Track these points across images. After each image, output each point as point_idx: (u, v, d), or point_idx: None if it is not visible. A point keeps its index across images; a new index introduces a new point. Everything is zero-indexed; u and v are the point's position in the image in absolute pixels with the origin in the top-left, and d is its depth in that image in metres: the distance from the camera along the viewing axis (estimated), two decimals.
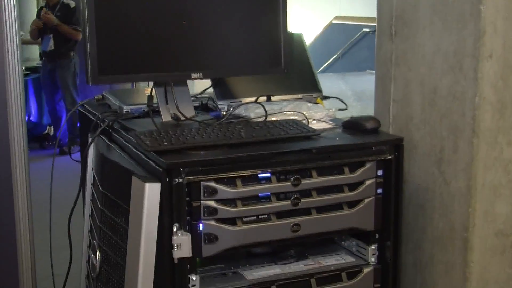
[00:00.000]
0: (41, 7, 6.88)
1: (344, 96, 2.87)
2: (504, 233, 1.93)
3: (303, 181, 1.79)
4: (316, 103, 2.24)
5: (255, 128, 1.86)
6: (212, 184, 1.69)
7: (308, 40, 10.41)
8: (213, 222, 1.71)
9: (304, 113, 2.01)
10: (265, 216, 1.78)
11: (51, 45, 6.69)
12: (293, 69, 2.21)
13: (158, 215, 1.65)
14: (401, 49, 2.11)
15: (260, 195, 1.76)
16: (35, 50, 7.60)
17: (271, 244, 1.86)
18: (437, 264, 2.01)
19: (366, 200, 1.88)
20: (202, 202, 1.69)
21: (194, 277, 1.73)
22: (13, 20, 2.29)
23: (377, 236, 1.94)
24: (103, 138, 2.07)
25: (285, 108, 2.03)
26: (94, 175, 2.08)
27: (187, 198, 1.67)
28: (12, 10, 2.29)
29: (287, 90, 2.26)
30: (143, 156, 1.76)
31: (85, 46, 1.87)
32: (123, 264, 1.77)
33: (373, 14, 2.29)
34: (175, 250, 1.64)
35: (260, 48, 2.10)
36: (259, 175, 1.75)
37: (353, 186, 1.86)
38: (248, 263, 1.93)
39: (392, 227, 1.92)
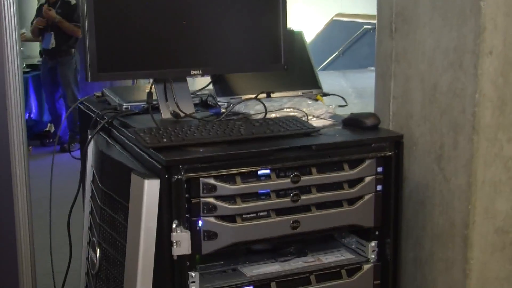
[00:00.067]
0: (41, 5, 6.87)
1: (345, 93, 2.87)
2: (504, 230, 1.92)
3: (302, 178, 1.79)
4: (316, 100, 2.24)
5: (254, 125, 1.86)
6: (212, 181, 1.69)
7: (309, 37, 10.40)
8: (212, 219, 1.71)
9: (304, 110, 2.00)
10: (265, 213, 1.78)
11: (52, 43, 6.68)
12: (293, 66, 2.21)
13: (157, 212, 1.65)
14: (401, 45, 2.11)
15: (259, 192, 1.76)
16: (36, 48, 7.59)
17: (271, 241, 1.85)
18: (437, 261, 2.01)
19: (366, 197, 1.88)
20: (201, 199, 1.69)
21: (193, 274, 1.73)
22: (13, 18, 2.29)
23: (377, 233, 1.94)
24: (103, 135, 2.07)
25: (285, 105, 2.03)
26: (93, 172, 2.07)
27: (187, 195, 1.67)
28: (12, 8, 2.29)
29: (287, 87, 2.26)
30: (143, 153, 1.75)
31: (85, 43, 1.87)
32: (123, 261, 1.77)
33: (374, 11, 2.28)
34: (175, 247, 1.64)
35: (260, 44, 2.10)
36: (259, 172, 1.75)
37: (353, 183, 1.86)
38: (248, 260, 1.93)
39: (392, 224, 1.91)
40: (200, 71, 2.01)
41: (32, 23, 6.96)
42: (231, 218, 1.73)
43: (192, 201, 1.68)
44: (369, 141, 1.87)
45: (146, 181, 1.63)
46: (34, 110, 7.31)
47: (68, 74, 6.79)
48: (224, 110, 2.09)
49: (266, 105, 1.99)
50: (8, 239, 2.39)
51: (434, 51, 1.96)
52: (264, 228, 1.77)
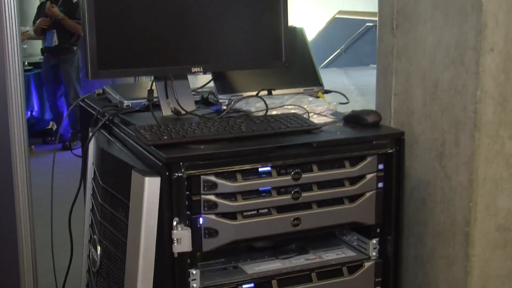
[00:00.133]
0: (42, 2, 6.87)
1: (347, 91, 2.86)
2: (505, 227, 1.92)
3: (303, 175, 1.78)
4: (318, 97, 2.24)
5: (255, 122, 1.86)
6: (212, 178, 1.69)
7: (311, 34, 10.40)
8: (213, 216, 1.70)
9: (305, 107, 2.00)
10: (266, 210, 1.77)
11: (55, 40, 6.69)
12: (295, 63, 2.20)
13: (158, 210, 1.65)
14: (402, 42, 2.10)
15: (260, 189, 1.76)
16: (38, 45, 7.59)
17: (272, 238, 1.85)
18: (439, 258, 2.00)
19: (367, 194, 1.88)
20: (202, 196, 1.69)
21: (194, 271, 1.72)
22: (13, 16, 2.29)
23: (378, 230, 1.94)
24: (104, 132, 2.07)
25: (286, 102, 2.03)
26: (94, 169, 2.07)
27: (187, 192, 1.67)
28: (12, 6, 2.29)
29: (288, 84, 2.26)
30: (143, 150, 1.75)
31: (85, 40, 1.86)
32: (123, 259, 1.77)
33: (376, 8, 2.28)
34: (175, 244, 1.64)
35: (261, 42, 2.10)
36: (260, 169, 1.75)
37: (354, 180, 1.86)
38: (249, 257, 1.93)
39: (393, 221, 1.91)
40: (201, 68, 2.01)
41: (34, 21, 6.96)
42: (232, 215, 1.73)
43: (193, 199, 1.68)
44: (370, 138, 1.86)
45: (147, 179, 1.63)
46: (36, 108, 7.32)
47: (71, 71, 6.80)
48: (225, 107, 2.09)
49: (267, 102, 1.99)
50: (9, 237, 2.39)
51: (435, 48, 1.96)
52: (265, 226, 1.77)
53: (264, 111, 1.97)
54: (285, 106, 2.01)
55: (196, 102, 2.13)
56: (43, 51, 7.00)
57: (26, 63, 7.13)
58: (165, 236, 1.65)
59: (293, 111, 1.99)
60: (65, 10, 6.63)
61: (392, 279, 1.94)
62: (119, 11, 1.91)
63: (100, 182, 1.98)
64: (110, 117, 2.05)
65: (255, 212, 1.76)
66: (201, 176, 1.67)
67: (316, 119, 1.97)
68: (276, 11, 2.08)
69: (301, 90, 2.26)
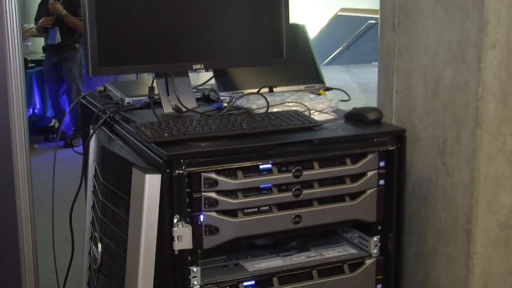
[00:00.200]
0: (43, 0, 6.87)
1: (349, 89, 2.86)
2: (507, 224, 1.91)
3: (304, 173, 1.78)
4: (319, 94, 2.23)
5: (256, 119, 1.86)
6: (213, 175, 1.69)
7: (314, 32, 10.39)
8: (214, 214, 1.70)
9: (306, 104, 2.00)
10: (266, 208, 1.77)
11: (58, 38, 6.68)
12: (296, 60, 2.20)
13: (158, 207, 1.64)
14: (404, 40, 2.09)
15: (261, 186, 1.76)
16: (40, 43, 7.59)
17: (273, 235, 1.85)
18: (440, 256, 2.00)
19: (368, 192, 1.87)
20: (202, 193, 1.68)
21: (195, 269, 1.72)
22: (14, 14, 2.28)
23: (379, 227, 1.93)
24: (105, 129, 2.07)
25: (287, 99, 2.03)
26: (95, 166, 2.07)
27: (188, 190, 1.66)
28: (13, 4, 2.28)
29: (290, 81, 2.25)
30: (144, 148, 1.75)
31: (86, 37, 1.86)
32: (124, 256, 1.77)
33: (378, 6, 2.27)
34: (176, 241, 1.64)
35: (262, 39, 2.09)
36: (260, 167, 1.75)
37: (355, 177, 1.85)
38: (250, 255, 1.93)
39: (394, 218, 1.91)
40: (202, 65, 2.01)
41: (35, 19, 6.96)
42: (232, 212, 1.73)
43: (194, 196, 1.68)
44: (372, 135, 1.86)
45: (147, 176, 1.63)
46: (38, 105, 7.33)
47: (73, 69, 6.80)
48: (226, 104, 2.08)
49: (268, 99, 1.98)
50: (10, 235, 2.39)
51: (437, 45, 1.95)
52: (266, 223, 1.77)
53: (265, 108, 1.97)
54: (286, 103, 2.01)
55: (197, 99, 2.13)
56: (44, 48, 7.00)
57: (28, 59, 7.14)
58: (166, 233, 1.64)
59: (294, 108, 1.99)
60: (68, 7, 6.62)
61: (393, 277, 1.94)
62: (120, 8, 1.91)
63: (101, 179, 1.97)
64: (111, 115, 2.05)
65: (256, 209, 1.76)
66: (202, 173, 1.67)
67: (317, 116, 1.97)
68: (277, 8, 2.08)
69: (302, 87, 2.25)
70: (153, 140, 1.69)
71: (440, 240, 1.99)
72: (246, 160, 1.71)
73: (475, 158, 1.85)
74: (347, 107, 2.09)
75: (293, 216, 1.79)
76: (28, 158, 2.39)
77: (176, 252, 1.65)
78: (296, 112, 1.94)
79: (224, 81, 2.19)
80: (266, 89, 2.16)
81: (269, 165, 1.75)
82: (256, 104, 2.00)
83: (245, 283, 1.80)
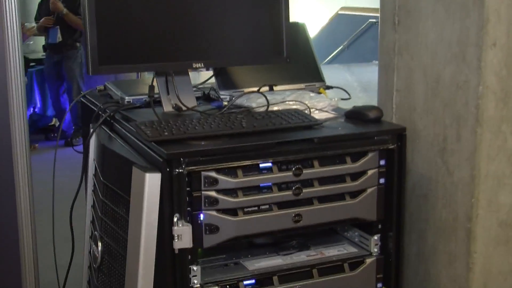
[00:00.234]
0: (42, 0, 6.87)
1: (350, 87, 2.85)
2: (507, 223, 1.91)
3: (304, 171, 1.78)
4: (319, 93, 2.23)
5: (256, 118, 1.85)
6: (213, 174, 1.68)
7: (314, 31, 10.39)
8: (214, 213, 1.70)
9: (306, 102, 1.99)
10: (267, 207, 1.77)
11: (59, 37, 6.68)
12: (296, 59, 2.20)
13: (158, 206, 1.64)
14: (404, 38, 2.09)
15: (261, 185, 1.76)
16: (40, 42, 7.59)
17: (273, 234, 1.85)
18: (440, 254, 2.00)
19: (369, 190, 1.87)
20: (202, 192, 1.68)
21: (195, 268, 1.72)
22: (14, 13, 2.28)
23: (379, 226, 1.93)
24: (105, 128, 2.06)
25: (287, 97, 2.02)
26: (95, 165, 2.07)
27: (188, 188, 1.66)
28: (13, 3, 2.28)
29: (290, 80, 2.25)
30: (144, 147, 1.75)
31: (86, 36, 1.86)
32: (124, 255, 1.77)
33: (379, 4, 2.27)
34: (176, 240, 1.64)
35: (262, 37, 2.09)
36: (260, 165, 1.74)
37: (355, 176, 1.85)
38: (250, 253, 1.93)
39: (394, 217, 1.91)
40: (202, 64, 2.01)
41: (35, 17, 6.96)
42: (232, 211, 1.73)
43: (194, 195, 1.67)
44: (372, 134, 1.86)
45: (147, 175, 1.63)
46: (38, 104, 7.33)
47: (74, 68, 6.80)
48: (226, 103, 2.08)
49: (268, 98, 1.98)
50: (11, 234, 2.39)
51: (437, 44, 1.95)
52: (266, 222, 1.77)
53: (265, 107, 1.97)
54: (287, 102, 2.00)
55: (197, 98, 2.13)
56: (45, 47, 7.00)
57: (29, 58, 7.14)
58: (166, 232, 1.64)
59: (294, 106, 1.99)
60: (68, 6, 6.62)
61: (394, 275, 1.94)
62: (120, 7, 1.90)
63: (101, 178, 1.97)
64: (111, 113, 2.05)
65: (256, 208, 1.76)
66: (202, 172, 1.67)
67: (317, 115, 1.97)
68: (277, 7, 2.08)
69: (302, 85, 2.25)
70: (153, 139, 1.69)
71: (441, 238, 1.99)
72: (246, 158, 1.71)
73: (475, 157, 1.85)
74: (347, 105, 2.09)
75: (293, 214, 1.79)
76: (28, 158, 2.39)
77: (176, 251, 1.65)
78: (296, 110, 1.93)
79: (224, 79, 2.19)
80: (266, 88, 2.16)
81: (269, 164, 1.75)
82: (256, 102, 1.99)
83: (245, 282, 1.80)
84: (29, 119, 7.09)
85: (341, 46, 10.35)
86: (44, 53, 7.15)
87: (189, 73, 2.09)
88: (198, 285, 1.73)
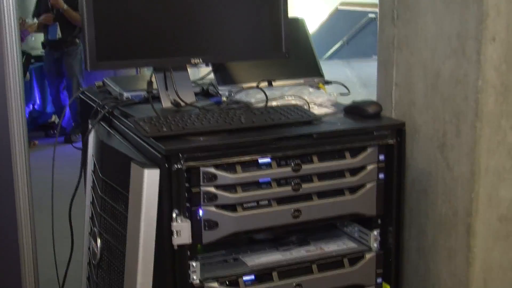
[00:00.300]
0: None
1: (350, 83, 2.84)
2: (507, 218, 1.91)
3: (304, 166, 1.77)
4: (318, 88, 2.23)
5: (255, 113, 1.85)
6: (212, 170, 1.68)
7: (314, 26, 10.37)
8: (213, 208, 1.70)
9: (305, 98, 1.99)
10: (266, 202, 1.77)
11: (58, 33, 6.68)
12: (295, 54, 2.19)
13: (157, 202, 1.64)
14: (403, 33, 2.08)
15: (260, 180, 1.75)
16: (39, 38, 7.58)
17: (272, 230, 1.85)
18: (440, 249, 1.99)
19: (368, 185, 1.87)
20: (201, 188, 1.68)
21: (194, 264, 1.72)
22: (12, 8, 2.27)
23: (379, 221, 1.93)
24: (103, 125, 2.06)
25: (286, 93, 2.02)
26: (94, 162, 2.07)
27: (187, 184, 1.66)
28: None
29: (289, 75, 2.25)
30: (143, 143, 1.75)
31: (84, 32, 1.85)
32: (123, 251, 1.77)
33: None
34: (175, 236, 1.63)
35: (261, 32, 2.09)
36: (259, 161, 1.74)
37: (354, 171, 1.85)
38: (249, 249, 1.93)
39: (394, 212, 1.91)
40: (200, 59, 2.00)
41: (33, 13, 6.95)
42: (232, 207, 1.73)
43: (193, 191, 1.67)
44: (371, 129, 1.85)
45: (146, 171, 1.62)
46: (37, 101, 7.32)
47: (74, 64, 6.80)
48: (225, 99, 2.08)
49: (267, 93, 1.98)
50: (10, 231, 2.39)
51: (437, 38, 1.94)
52: (265, 217, 1.76)
53: (264, 102, 1.96)
54: (286, 97, 2.00)
55: (196, 94, 2.12)
56: (44, 44, 6.99)
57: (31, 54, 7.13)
58: (165, 228, 1.64)
59: (293, 102, 1.98)
60: (68, 2, 6.61)
61: (393, 271, 1.94)
62: (118, 2, 1.90)
63: (100, 174, 1.97)
64: (110, 109, 2.04)
65: (255, 203, 1.76)
66: (201, 168, 1.67)
67: (316, 110, 1.96)
68: (276, 2, 2.07)
69: (301, 81, 2.24)
70: (152, 134, 1.69)
71: (440, 233, 1.99)
72: (245, 154, 1.70)
73: (475, 152, 1.85)
74: (347, 101, 2.08)
75: (292, 210, 1.78)
76: (27, 155, 2.38)
77: (176, 247, 1.65)
78: (295, 106, 1.93)
79: (223, 75, 2.18)
80: (265, 83, 2.16)
81: (268, 159, 1.75)
82: (255, 98, 1.99)
83: (244, 278, 1.80)
84: (29, 116, 7.10)
85: (341, 42, 10.33)
86: (43, 50, 7.14)
87: (189, 69, 2.08)
88: (198, 281, 1.73)
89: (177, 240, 1.64)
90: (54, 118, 7.46)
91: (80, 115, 2.59)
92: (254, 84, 2.11)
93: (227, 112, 1.85)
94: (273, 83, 2.17)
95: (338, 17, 10.70)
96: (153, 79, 2.01)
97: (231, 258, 1.89)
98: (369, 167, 1.86)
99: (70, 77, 6.85)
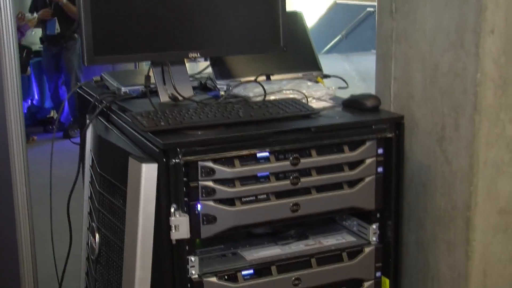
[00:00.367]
0: None
1: (349, 77, 2.84)
2: (506, 211, 1.90)
3: (302, 160, 1.77)
4: (317, 82, 2.22)
5: (253, 107, 1.84)
6: (210, 164, 1.67)
7: (312, 20, 10.36)
8: (211, 203, 1.69)
9: (304, 91, 1.98)
10: (264, 196, 1.76)
11: (57, 28, 6.66)
12: (293, 48, 2.18)
13: (155, 196, 1.63)
14: (402, 26, 2.08)
15: (258, 174, 1.75)
16: (37, 34, 7.57)
17: (271, 224, 1.84)
18: (439, 243, 1.99)
19: (367, 179, 1.86)
20: (200, 182, 1.67)
21: (193, 258, 1.72)
22: (8, 3, 2.26)
23: (378, 215, 1.93)
24: (101, 119, 2.05)
25: (284, 87, 2.01)
26: (92, 156, 2.06)
27: (185, 179, 1.65)
28: None
29: (287, 69, 2.24)
30: (140, 137, 1.74)
31: (80, 26, 1.85)
32: (122, 246, 1.76)
33: None
34: (173, 231, 1.63)
35: (259, 26, 2.08)
36: (258, 155, 1.74)
37: (353, 165, 1.84)
38: (248, 243, 1.92)
39: (393, 206, 1.90)
40: (198, 53, 1.99)
41: (30, 8, 6.93)
42: (230, 201, 1.72)
43: (191, 185, 1.67)
44: (370, 122, 1.85)
45: (144, 165, 1.62)
46: (36, 96, 7.32)
47: (73, 59, 6.79)
48: (223, 93, 2.07)
49: (265, 87, 1.97)
50: (8, 226, 2.38)
51: (435, 31, 1.93)
52: (263, 211, 1.76)
53: (263, 96, 1.96)
54: (284, 91, 1.99)
55: (194, 88, 2.12)
56: (42, 39, 6.97)
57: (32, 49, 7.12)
58: (163, 223, 1.63)
59: (291, 96, 1.97)
60: None
61: (392, 264, 1.93)
62: None
63: (98, 169, 1.96)
64: (108, 104, 2.03)
65: (254, 198, 1.75)
66: (199, 162, 1.66)
67: (315, 104, 1.96)
68: None
69: (300, 75, 2.24)
70: (149, 129, 1.68)
71: (439, 227, 1.99)
72: (243, 148, 1.70)
73: (474, 145, 1.84)
74: (345, 94, 2.07)
75: (291, 204, 1.78)
76: (24, 151, 2.37)
77: (174, 242, 1.64)
78: (293, 100, 1.92)
79: (221, 69, 2.18)
80: (264, 77, 2.15)
81: (267, 153, 1.74)
82: (253, 92, 1.98)
83: (243, 272, 1.79)
84: (27, 111, 7.10)
85: (339, 36, 10.32)
86: (41, 45, 7.13)
87: (187, 63, 2.08)
88: (196, 276, 1.73)
89: (175, 235, 1.63)
90: (53, 113, 7.46)
91: (78, 110, 2.58)
92: (252, 78, 2.10)
93: (225, 106, 1.84)
94: (271, 77, 2.17)
95: (337, 11, 10.69)
96: (151, 74, 2.00)
97: (230, 252, 1.88)
98: (368, 161, 1.85)
99: (69, 72, 6.84)
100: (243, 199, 1.73)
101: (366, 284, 1.92)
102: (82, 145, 2.14)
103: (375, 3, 2.25)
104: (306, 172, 1.79)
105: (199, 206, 1.68)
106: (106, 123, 2.01)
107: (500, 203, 1.89)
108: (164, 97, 2.00)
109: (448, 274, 1.97)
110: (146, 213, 1.64)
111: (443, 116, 1.93)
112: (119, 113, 1.94)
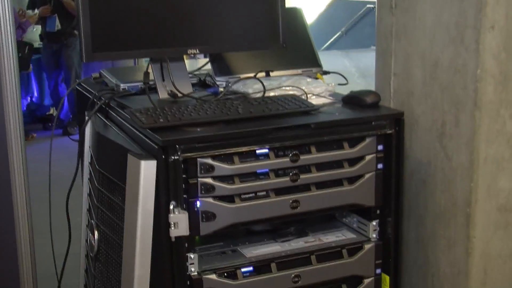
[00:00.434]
0: None
1: (349, 73, 2.84)
2: (507, 207, 1.90)
3: (302, 157, 1.76)
4: (316, 78, 2.21)
5: (253, 104, 1.84)
6: (209, 161, 1.67)
7: (312, 16, 10.34)
8: (210, 200, 1.69)
9: (303, 88, 1.98)
10: (264, 193, 1.75)
11: (57, 25, 6.66)
12: (293, 44, 2.18)
13: (154, 193, 1.63)
14: (402, 22, 2.07)
15: (258, 171, 1.74)
16: (37, 31, 7.56)
17: (270, 221, 1.83)
18: (439, 239, 1.99)
19: (367, 176, 1.86)
20: (199, 179, 1.67)
21: (192, 255, 1.71)
22: (6, 1, 2.25)
23: (378, 212, 1.92)
24: (100, 116, 2.05)
25: (284, 83, 2.00)
26: (91, 153, 2.06)
27: (184, 176, 1.65)
28: None
29: (287, 66, 2.23)
30: (139, 134, 1.73)
31: (79, 23, 1.84)
32: (121, 243, 1.76)
33: None
34: (172, 228, 1.62)
35: (258, 23, 2.07)
36: (257, 151, 1.73)
37: (353, 161, 1.84)
38: (248, 240, 1.92)
39: (393, 202, 1.89)
40: (197, 50, 1.99)
41: (27, 5, 6.92)
42: (229, 198, 1.71)
43: (190, 182, 1.66)
44: (369, 119, 1.84)
45: (143, 162, 1.61)
46: (35, 93, 7.31)
47: (73, 56, 6.78)
48: (222, 89, 2.06)
49: (265, 83, 1.96)
50: (7, 223, 2.38)
51: (435, 27, 1.93)
52: (263, 208, 1.75)
53: (262, 93, 1.95)
54: (283, 88, 1.98)
55: (193, 85, 2.11)
56: (42, 37, 6.96)
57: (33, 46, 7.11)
58: (162, 220, 1.63)
59: (291, 92, 1.97)
60: None
61: (393, 261, 1.93)
62: None
63: (97, 166, 1.96)
64: (106, 101, 2.03)
65: (253, 194, 1.74)
66: (198, 159, 1.65)
67: (314, 100, 1.95)
68: None
69: (299, 71, 2.23)
70: (148, 126, 1.67)
71: (440, 224, 1.98)
72: (242, 145, 1.69)
73: (474, 141, 1.83)
74: (345, 91, 2.07)
75: (290, 201, 1.77)
76: (23, 148, 2.37)
77: (173, 239, 1.64)
78: (293, 96, 1.92)
79: (220, 65, 2.17)
80: (263, 74, 2.14)
81: (266, 150, 1.73)
82: (252, 88, 1.98)
83: (243, 269, 1.79)
84: (27, 108, 7.09)
85: (339, 32, 10.31)
86: (40, 43, 7.12)
87: (187, 60, 2.07)
88: (196, 273, 1.72)
89: (174, 232, 1.63)
90: (52, 110, 7.45)
91: (76, 107, 2.57)
92: (252, 75, 2.09)
93: (224, 103, 1.83)
94: (271, 74, 2.16)
95: (337, 7, 10.67)
96: (150, 70, 2.00)
97: (229, 249, 1.87)
98: (368, 157, 1.84)
99: (68, 69, 6.83)
100: (243, 196, 1.73)
101: (366, 281, 1.92)
102: (81, 142, 2.13)
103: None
104: (306, 168, 1.79)
105: (198, 203, 1.67)
106: (105, 120, 2.01)
107: (500, 200, 1.89)
108: (163, 94, 1.99)
109: (448, 271, 1.97)
110: (145, 210, 1.63)
111: (443, 113, 1.92)
112: (118, 110, 1.94)
